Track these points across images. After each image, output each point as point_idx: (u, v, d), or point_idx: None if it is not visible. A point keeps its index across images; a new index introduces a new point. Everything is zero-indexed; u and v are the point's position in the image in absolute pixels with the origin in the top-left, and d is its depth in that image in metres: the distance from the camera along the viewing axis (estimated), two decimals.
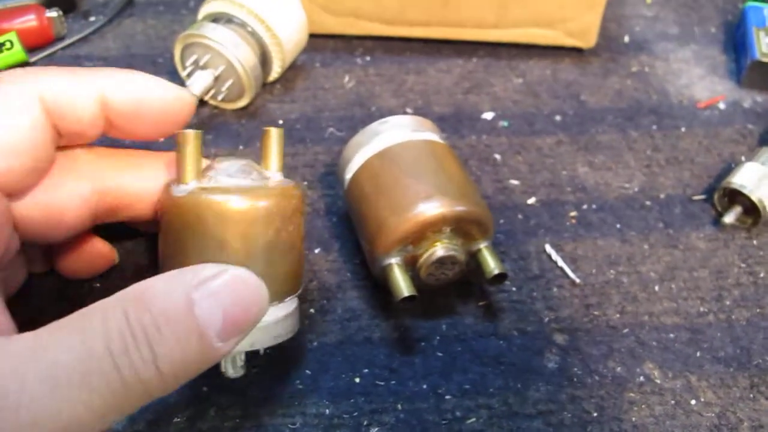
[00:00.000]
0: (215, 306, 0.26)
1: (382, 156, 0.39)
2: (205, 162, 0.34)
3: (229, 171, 0.32)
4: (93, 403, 0.23)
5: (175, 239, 0.31)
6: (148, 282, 0.26)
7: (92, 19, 0.61)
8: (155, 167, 0.35)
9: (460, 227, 0.37)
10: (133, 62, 0.56)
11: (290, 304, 0.33)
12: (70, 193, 0.33)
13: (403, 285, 0.36)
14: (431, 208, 0.36)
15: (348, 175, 0.41)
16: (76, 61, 0.56)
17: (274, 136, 0.34)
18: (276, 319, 0.32)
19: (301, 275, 0.34)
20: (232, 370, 0.32)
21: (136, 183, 0.34)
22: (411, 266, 0.37)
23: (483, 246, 0.38)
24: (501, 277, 0.37)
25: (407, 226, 0.36)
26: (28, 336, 0.24)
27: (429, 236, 0.37)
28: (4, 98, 0.30)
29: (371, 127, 0.41)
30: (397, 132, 0.40)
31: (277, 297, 0.32)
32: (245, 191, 0.31)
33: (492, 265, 0.37)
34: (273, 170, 0.34)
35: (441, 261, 0.37)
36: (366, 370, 0.38)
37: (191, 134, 0.32)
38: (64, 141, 0.33)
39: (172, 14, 0.61)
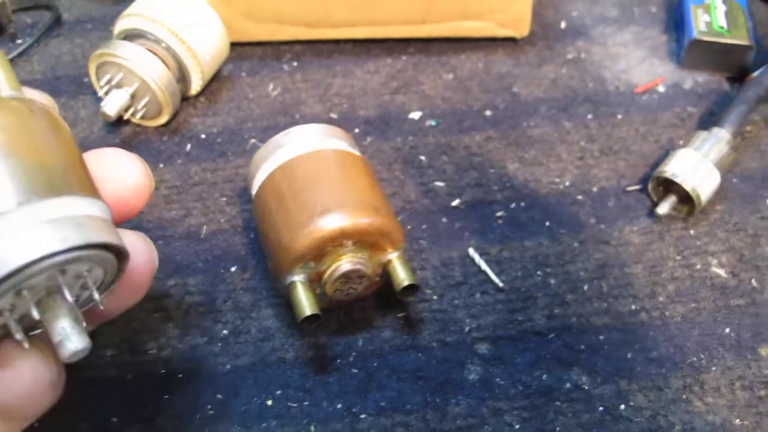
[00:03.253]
0: None
1: (284, 169, 0.37)
2: None
3: None
4: None
5: None
6: None
7: (19, 41, 0.59)
8: None
9: (365, 239, 0.35)
10: (59, 84, 0.54)
11: (68, 206, 0.25)
12: None
13: (305, 304, 0.34)
14: (328, 223, 0.34)
15: (253, 191, 0.39)
16: None
17: None
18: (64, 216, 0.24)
19: (85, 181, 0.26)
20: (77, 337, 0.24)
21: None
22: (317, 283, 0.36)
23: (393, 257, 0.36)
24: (411, 288, 0.35)
25: (304, 243, 0.34)
26: None
27: (330, 251, 0.35)
28: None
29: (275, 139, 0.39)
30: (300, 143, 0.38)
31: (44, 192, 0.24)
32: None
33: (402, 276, 0.35)
34: (5, 90, 0.27)
35: (346, 276, 0.35)
36: (279, 392, 0.36)
37: None
38: None
39: (100, 31, 0.59)
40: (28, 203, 0.23)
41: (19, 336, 0.24)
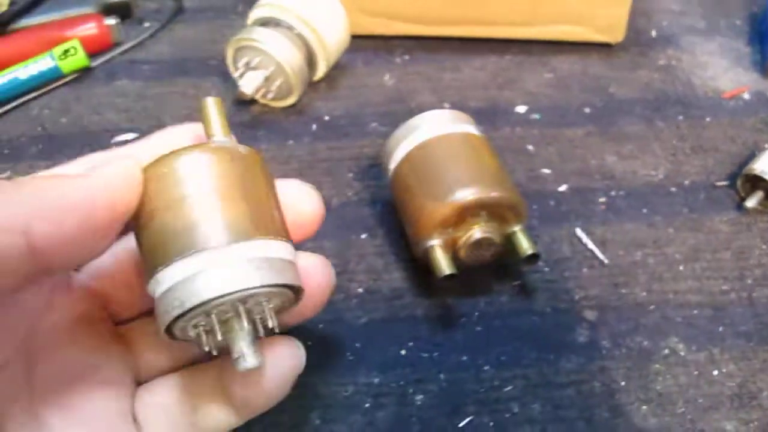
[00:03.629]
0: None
1: (422, 148, 0.42)
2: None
3: None
4: None
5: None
6: None
7: (146, 25, 0.65)
8: None
9: (495, 212, 0.40)
10: (187, 65, 0.60)
11: (268, 248, 0.29)
12: None
13: (444, 264, 0.39)
14: (468, 194, 0.39)
15: (391, 166, 0.44)
16: (134, 64, 0.60)
17: (210, 104, 0.32)
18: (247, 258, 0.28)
19: (282, 224, 0.30)
20: (251, 357, 0.28)
21: None
22: (451, 248, 0.41)
23: (517, 229, 0.41)
24: (534, 257, 0.40)
25: (447, 211, 0.39)
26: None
27: (467, 220, 0.40)
28: None
29: (411, 122, 0.44)
30: (435, 125, 0.43)
31: (250, 234, 0.28)
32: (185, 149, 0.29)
33: (525, 245, 0.40)
34: (218, 136, 0.32)
35: (478, 243, 0.40)
36: (411, 344, 0.41)
37: None
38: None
39: (222, 19, 0.65)
40: (235, 243, 0.27)
41: (207, 348, 0.29)
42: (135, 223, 0.28)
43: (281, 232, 0.30)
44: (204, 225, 0.27)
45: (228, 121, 0.32)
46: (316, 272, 0.32)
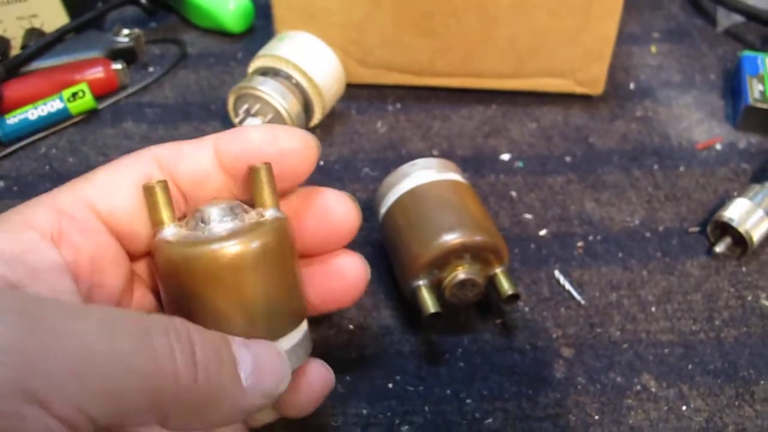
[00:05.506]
0: (249, 356, 0.27)
1: (412, 194, 0.45)
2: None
3: (215, 216, 0.30)
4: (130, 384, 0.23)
5: (175, 295, 0.30)
6: None
7: (150, 69, 0.68)
8: None
9: (479, 254, 0.43)
10: (189, 109, 0.63)
11: (298, 333, 0.32)
12: None
13: (430, 303, 0.42)
14: (453, 238, 0.42)
15: (383, 210, 0.47)
16: (139, 107, 0.63)
17: (263, 171, 0.31)
18: (288, 350, 0.31)
19: (304, 301, 0.33)
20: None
21: None
22: (437, 288, 0.43)
23: (499, 271, 0.44)
24: (514, 297, 0.43)
25: (433, 253, 0.42)
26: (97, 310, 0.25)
27: (452, 262, 0.43)
28: (121, 157, 0.31)
29: (402, 169, 0.47)
30: (424, 173, 0.46)
31: (284, 332, 0.31)
32: (236, 233, 0.29)
33: (506, 286, 0.43)
34: (268, 207, 0.31)
35: (462, 283, 0.43)
36: (398, 377, 0.44)
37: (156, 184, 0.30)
38: (192, 203, 0.32)
39: (222, 66, 0.68)
40: (284, 337, 0.31)
41: None
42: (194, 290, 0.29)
43: (303, 311, 0.33)
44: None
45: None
46: (355, 267, 0.36)
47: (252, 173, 0.31)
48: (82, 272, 0.28)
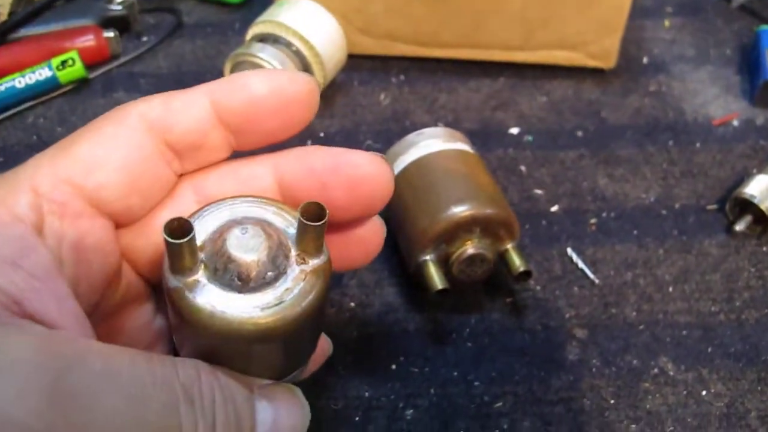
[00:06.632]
0: (269, 411, 0.25)
1: (418, 164, 0.43)
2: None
3: (255, 274, 0.24)
4: None
5: (194, 341, 0.26)
6: None
7: (144, 39, 0.66)
8: None
9: (489, 229, 0.40)
10: (184, 79, 0.60)
11: None
12: None
13: (437, 279, 0.40)
14: (462, 210, 0.40)
15: None
16: (131, 77, 0.61)
17: (316, 220, 0.24)
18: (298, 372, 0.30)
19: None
20: None
21: None
22: (444, 263, 0.41)
23: (510, 246, 0.41)
24: (526, 275, 0.41)
25: (441, 226, 0.40)
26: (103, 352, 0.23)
27: (461, 236, 0.40)
28: (102, 120, 0.27)
29: (408, 138, 0.45)
30: (431, 142, 0.44)
31: (303, 364, 0.30)
32: (279, 304, 0.24)
33: (518, 263, 0.41)
34: (313, 254, 0.25)
35: (471, 259, 0.40)
36: (402, 358, 0.41)
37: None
38: (189, 163, 0.29)
39: (220, 35, 0.65)
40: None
41: None
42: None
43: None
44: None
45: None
46: (373, 226, 0.31)
47: (304, 215, 0.24)
48: (64, 264, 0.25)
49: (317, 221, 0.24)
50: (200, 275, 0.24)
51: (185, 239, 0.23)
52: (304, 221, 0.24)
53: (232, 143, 0.29)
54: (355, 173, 0.28)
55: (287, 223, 0.26)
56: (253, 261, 0.24)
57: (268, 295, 0.24)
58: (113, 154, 0.27)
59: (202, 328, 0.24)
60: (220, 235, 0.24)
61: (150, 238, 0.28)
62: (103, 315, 0.28)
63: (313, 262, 0.25)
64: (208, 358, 0.25)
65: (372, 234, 0.32)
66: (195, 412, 0.23)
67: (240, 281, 0.24)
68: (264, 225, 0.25)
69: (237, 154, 0.30)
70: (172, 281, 0.24)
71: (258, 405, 0.25)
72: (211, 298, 0.24)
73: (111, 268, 0.27)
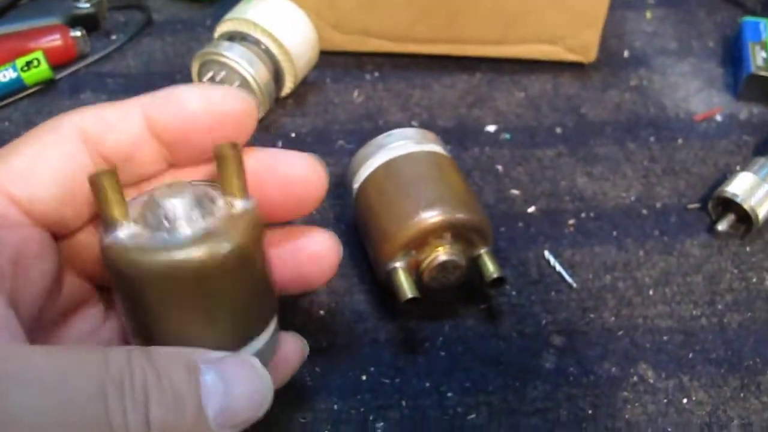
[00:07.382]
0: (219, 383, 0.24)
1: (387, 167, 0.41)
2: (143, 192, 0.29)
3: (181, 212, 0.25)
4: None
5: (134, 304, 0.26)
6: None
7: (113, 37, 0.64)
8: None
9: (461, 234, 0.39)
10: (153, 79, 0.59)
11: (270, 329, 0.30)
12: None
13: (406, 287, 0.38)
14: (432, 216, 0.38)
15: (355, 185, 0.43)
16: (99, 77, 0.59)
17: (231, 156, 0.26)
18: (261, 349, 0.29)
19: (275, 295, 0.30)
20: None
21: None
22: (414, 270, 0.39)
23: (483, 251, 0.40)
24: (500, 281, 0.39)
25: (410, 232, 0.38)
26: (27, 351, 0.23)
27: (431, 242, 0.39)
28: (37, 130, 0.28)
29: (377, 140, 0.43)
30: (401, 144, 0.42)
31: (257, 332, 0.29)
32: (208, 236, 0.25)
33: (491, 269, 0.39)
34: (238, 196, 0.27)
35: (443, 266, 0.39)
36: (372, 369, 0.40)
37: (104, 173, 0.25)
38: (124, 176, 0.27)
39: (189, 32, 0.63)
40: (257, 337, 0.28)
41: None
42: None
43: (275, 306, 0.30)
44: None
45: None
46: (326, 244, 0.33)
47: (218, 157, 0.26)
48: (3, 275, 0.25)
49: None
50: (132, 227, 0.25)
51: (107, 172, 0.25)
52: (220, 154, 0.26)
53: (167, 158, 0.28)
54: (290, 172, 0.30)
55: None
56: (178, 200, 0.25)
57: (198, 233, 0.25)
58: (46, 165, 0.27)
59: (138, 279, 0.25)
60: (149, 195, 0.26)
61: (94, 238, 0.28)
62: (48, 322, 0.28)
63: (240, 204, 0.27)
64: (150, 327, 0.26)
65: (327, 251, 0.31)
66: (124, 397, 0.22)
67: (168, 222, 0.25)
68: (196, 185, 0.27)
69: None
70: (106, 239, 0.25)
71: (205, 377, 0.24)
72: (142, 242, 0.25)
73: (51, 276, 0.27)
